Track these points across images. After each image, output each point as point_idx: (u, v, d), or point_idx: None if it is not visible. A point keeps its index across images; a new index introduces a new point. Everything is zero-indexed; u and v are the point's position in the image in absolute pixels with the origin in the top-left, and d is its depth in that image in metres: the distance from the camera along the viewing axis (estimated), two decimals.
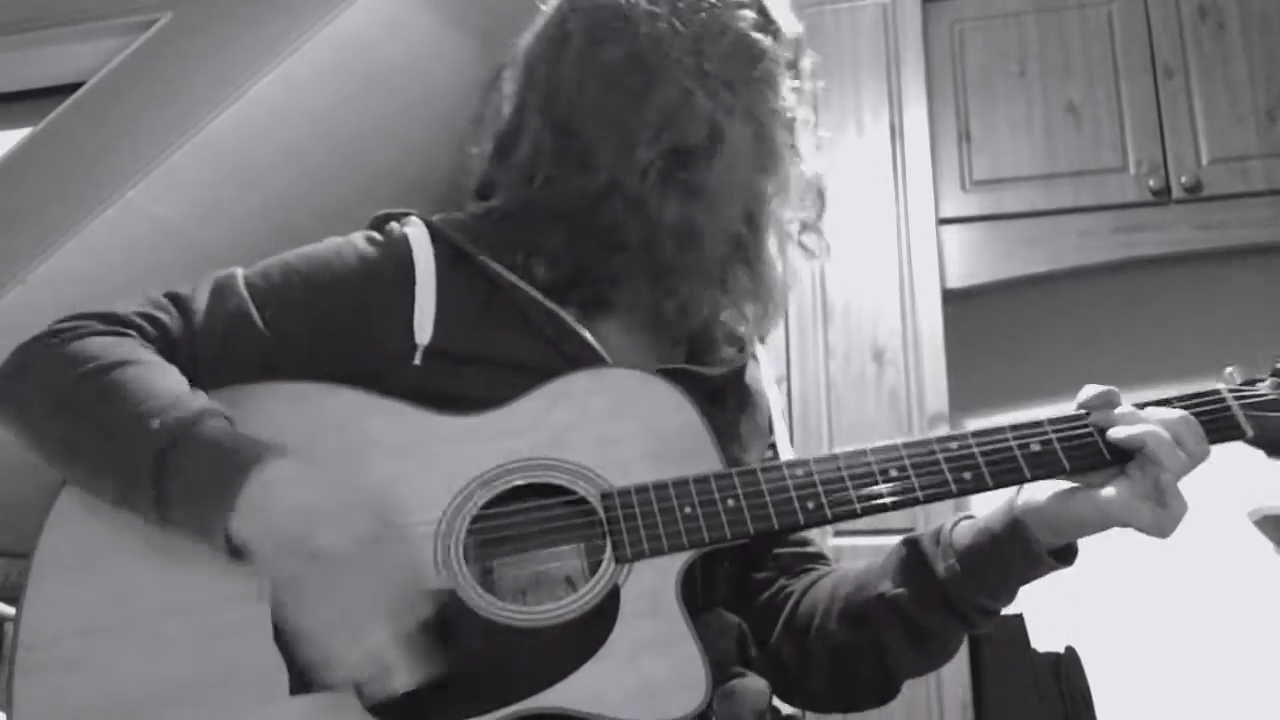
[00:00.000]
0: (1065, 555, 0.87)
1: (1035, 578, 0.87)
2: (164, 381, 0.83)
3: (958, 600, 0.88)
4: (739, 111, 0.94)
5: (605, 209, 0.93)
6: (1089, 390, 0.89)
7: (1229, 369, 0.93)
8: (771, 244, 0.99)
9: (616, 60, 0.94)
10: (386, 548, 0.77)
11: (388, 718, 0.75)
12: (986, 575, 0.87)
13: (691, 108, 0.92)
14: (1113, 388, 0.89)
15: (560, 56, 0.97)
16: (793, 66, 1.00)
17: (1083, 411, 0.88)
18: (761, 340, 1.08)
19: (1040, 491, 0.86)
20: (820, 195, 1.03)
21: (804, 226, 1.03)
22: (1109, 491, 0.83)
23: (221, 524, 0.76)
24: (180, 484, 0.77)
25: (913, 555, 0.92)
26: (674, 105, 0.92)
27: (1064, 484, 0.86)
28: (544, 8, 1.02)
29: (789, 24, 0.99)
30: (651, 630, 0.79)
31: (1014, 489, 0.88)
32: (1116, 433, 0.84)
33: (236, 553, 0.78)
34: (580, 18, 0.97)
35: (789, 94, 0.98)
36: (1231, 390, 0.89)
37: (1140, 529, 0.81)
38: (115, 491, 0.80)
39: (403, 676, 0.74)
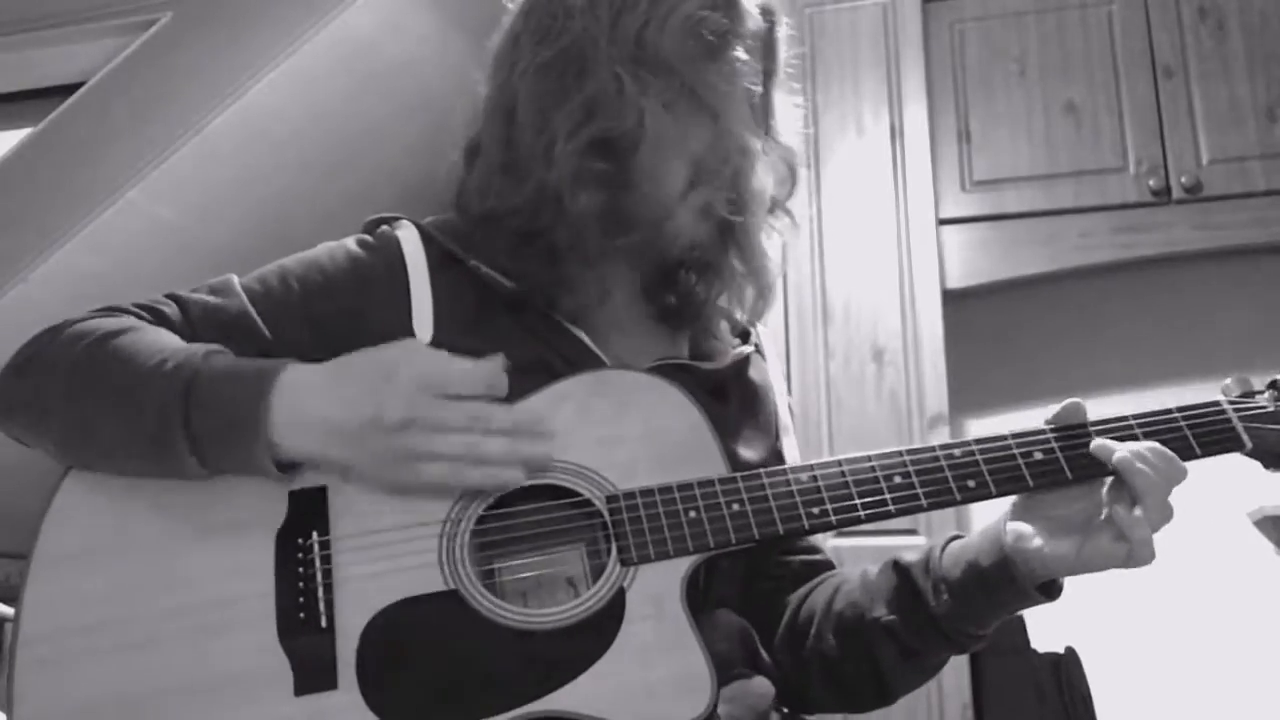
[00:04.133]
0: (1051, 590, 0.87)
1: (1024, 608, 0.88)
2: (169, 337, 0.84)
3: (950, 630, 0.89)
4: (681, 94, 0.91)
5: (538, 218, 0.92)
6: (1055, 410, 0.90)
7: (1227, 381, 0.93)
8: (758, 225, 0.98)
9: (553, 60, 0.92)
10: (427, 377, 0.79)
11: (395, 718, 0.75)
12: (977, 609, 0.88)
13: (619, 96, 0.89)
14: (1078, 400, 0.89)
15: (512, 62, 0.96)
16: (757, 36, 0.95)
17: (1081, 423, 0.88)
18: (757, 322, 1.06)
19: (1026, 536, 0.85)
20: (793, 171, 1.01)
21: (773, 204, 1.01)
22: (1090, 541, 0.83)
23: (264, 442, 0.78)
24: (211, 416, 0.78)
25: (904, 585, 0.91)
26: (599, 95, 0.90)
27: (1051, 528, 0.85)
28: (510, 6, 1.00)
29: None
30: (656, 635, 0.79)
31: (1001, 521, 0.88)
32: (1101, 453, 0.85)
33: (287, 468, 0.80)
34: (530, 19, 0.96)
35: (749, 69, 0.94)
36: (1231, 402, 0.90)
37: (1118, 567, 0.82)
38: (147, 447, 0.80)
39: (541, 446, 0.81)
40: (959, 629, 0.88)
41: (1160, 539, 0.82)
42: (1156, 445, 0.84)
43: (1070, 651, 2.00)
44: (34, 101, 2.40)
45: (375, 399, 0.78)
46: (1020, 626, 1.99)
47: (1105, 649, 2.15)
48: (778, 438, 1.04)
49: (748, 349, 1.04)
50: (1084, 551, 0.83)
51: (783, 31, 0.99)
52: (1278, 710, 2.09)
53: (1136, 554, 0.81)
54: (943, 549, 0.91)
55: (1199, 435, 0.87)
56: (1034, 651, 1.99)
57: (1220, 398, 0.91)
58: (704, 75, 0.91)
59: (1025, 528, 0.86)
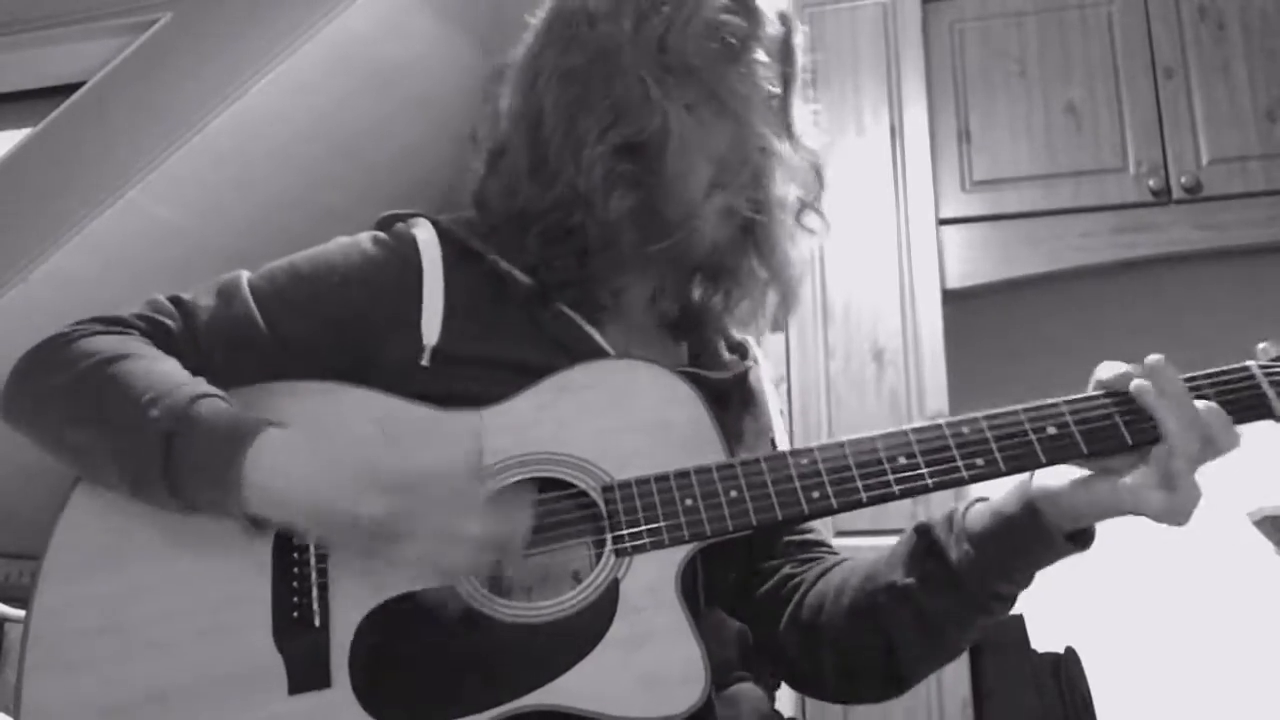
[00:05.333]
0: (1082, 539, 0.84)
1: (1051, 561, 0.85)
2: (163, 371, 0.83)
3: (972, 585, 0.86)
4: (703, 96, 0.92)
5: (569, 217, 0.93)
6: (1109, 369, 0.86)
7: (1262, 344, 0.88)
8: (780, 228, 0.98)
9: (578, 67, 0.94)
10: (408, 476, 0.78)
11: (389, 715, 0.75)
12: (1002, 559, 0.85)
13: (645, 99, 0.91)
14: (1131, 369, 0.85)
15: (537, 69, 0.97)
16: (775, 42, 0.97)
17: (1099, 392, 0.85)
18: (781, 327, 1.06)
19: (1054, 475, 0.84)
20: (818, 174, 1.01)
21: (803, 206, 1.01)
22: (1125, 480, 0.80)
23: (235, 502, 0.78)
24: (186, 469, 0.78)
25: (925, 542, 0.90)
26: (625, 99, 0.92)
27: (1081, 469, 0.83)
28: (532, 21, 1.01)
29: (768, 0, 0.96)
30: (651, 625, 0.78)
31: (1030, 473, 0.85)
32: (1146, 399, 0.82)
33: (258, 523, 0.79)
34: (552, 30, 0.98)
35: (769, 72, 0.96)
36: (1262, 367, 0.85)
37: (1153, 517, 0.79)
38: (130, 483, 0.81)
39: (474, 525, 0.76)
40: (982, 584, 0.86)
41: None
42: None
43: (1070, 651, 1.99)
44: (34, 101, 2.40)
45: (354, 496, 0.77)
46: (1020, 626, 1.99)
47: (1105, 649, 2.15)
48: (773, 444, 1.04)
49: (749, 363, 1.05)
50: (1120, 489, 0.80)
51: (799, 38, 0.99)
52: (1278, 710, 2.09)
53: (1178, 505, 0.78)
54: (967, 508, 0.90)
55: (1225, 402, 0.82)
56: (1034, 651, 1.99)
57: (1250, 362, 0.86)
58: (725, 78, 0.93)
59: (1052, 474, 0.84)
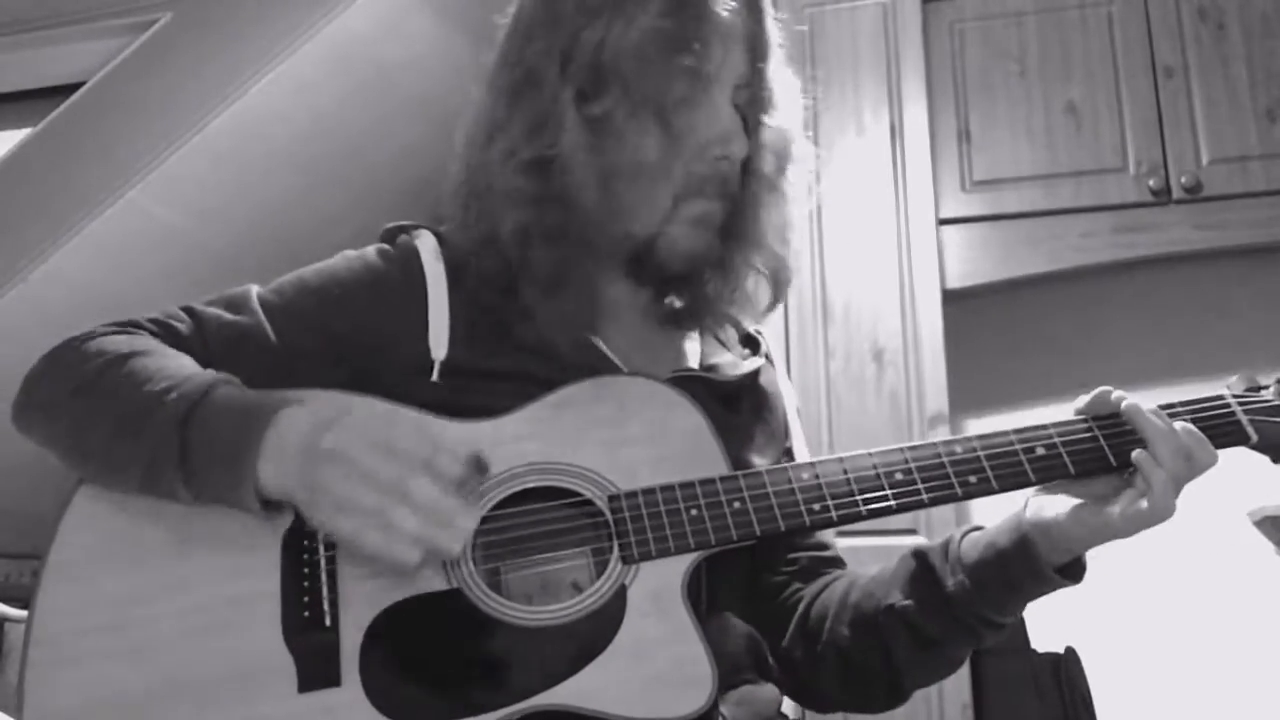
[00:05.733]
0: (1073, 573, 0.87)
1: (1042, 594, 0.87)
2: (177, 363, 0.84)
3: (966, 614, 0.88)
4: (644, 110, 0.89)
5: (507, 259, 0.93)
6: (1085, 399, 0.89)
7: (1232, 379, 0.94)
8: (762, 211, 0.97)
9: (504, 89, 0.94)
10: (396, 429, 0.76)
11: (397, 716, 0.76)
12: (994, 592, 0.87)
13: (554, 115, 0.90)
14: (1107, 388, 0.89)
15: (488, 86, 0.97)
16: (732, 25, 0.91)
17: (1081, 418, 0.88)
18: (778, 300, 1.03)
19: (1047, 507, 0.86)
20: (787, 151, 0.98)
21: (788, 181, 0.99)
22: (1113, 508, 0.83)
23: (250, 477, 0.77)
24: (203, 448, 0.78)
25: (922, 569, 0.91)
26: (534, 118, 0.91)
27: (1071, 500, 0.85)
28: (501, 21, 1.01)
29: None
30: (658, 630, 0.79)
31: (1021, 503, 0.88)
32: (1133, 416, 0.85)
33: (270, 505, 0.79)
34: (504, 45, 0.98)
35: (728, 61, 0.92)
36: (1236, 396, 0.91)
37: (1146, 525, 0.82)
38: (142, 473, 0.81)
39: (466, 518, 0.75)
40: (975, 613, 0.88)
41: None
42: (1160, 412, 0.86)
43: (1070, 651, 2.00)
44: (34, 101, 2.41)
45: (320, 431, 0.76)
46: (1020, 626, 1.99)
47: (1105, 649, 2.15)
48: (788, 439, 1.04)
49: (759, 360, 1.04)
50: (1106, 514, 0.82)
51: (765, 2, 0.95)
52: (1278, 710, 2.09)
53: (1156, 504, 0.81)
54: (963, 535, 0.92)
55: (1204, 428, 0.86)
56: (1034, 651, 1.99)
57: (1225, 391, 0.91)
58: (670, 89, 0.89)
59: (1045, 502, 0.86)
